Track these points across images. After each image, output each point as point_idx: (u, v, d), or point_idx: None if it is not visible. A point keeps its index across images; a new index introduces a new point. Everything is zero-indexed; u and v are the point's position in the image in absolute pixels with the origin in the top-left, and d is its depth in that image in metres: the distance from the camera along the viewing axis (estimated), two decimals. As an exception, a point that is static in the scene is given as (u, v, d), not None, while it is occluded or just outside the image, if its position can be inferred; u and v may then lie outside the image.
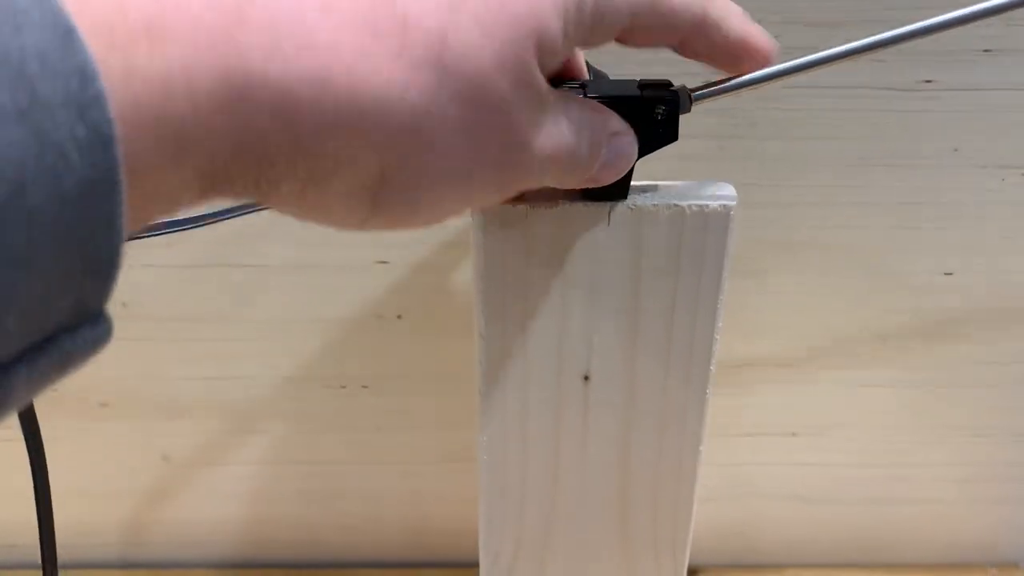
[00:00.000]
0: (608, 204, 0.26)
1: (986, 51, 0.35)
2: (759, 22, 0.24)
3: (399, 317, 0.42)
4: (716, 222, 0.27)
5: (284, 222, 0.39)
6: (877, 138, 0.37)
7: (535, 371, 0.30)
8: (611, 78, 0.26)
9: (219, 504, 0.49)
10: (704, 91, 0.24)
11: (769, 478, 0.48)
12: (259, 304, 0.42)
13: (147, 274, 0.40)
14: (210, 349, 0.43)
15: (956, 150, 0.38)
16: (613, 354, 0.29)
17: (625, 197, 0.26)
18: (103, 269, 0.15)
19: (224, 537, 0.50)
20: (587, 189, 0.26)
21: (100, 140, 0.14)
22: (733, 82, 0.24)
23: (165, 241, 0.39)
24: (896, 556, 0.51)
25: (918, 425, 0.46)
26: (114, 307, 0.41)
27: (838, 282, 0.41)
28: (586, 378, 0.30)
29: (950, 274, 0.41)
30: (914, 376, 0.44)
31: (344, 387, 0.45)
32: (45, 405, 0.45)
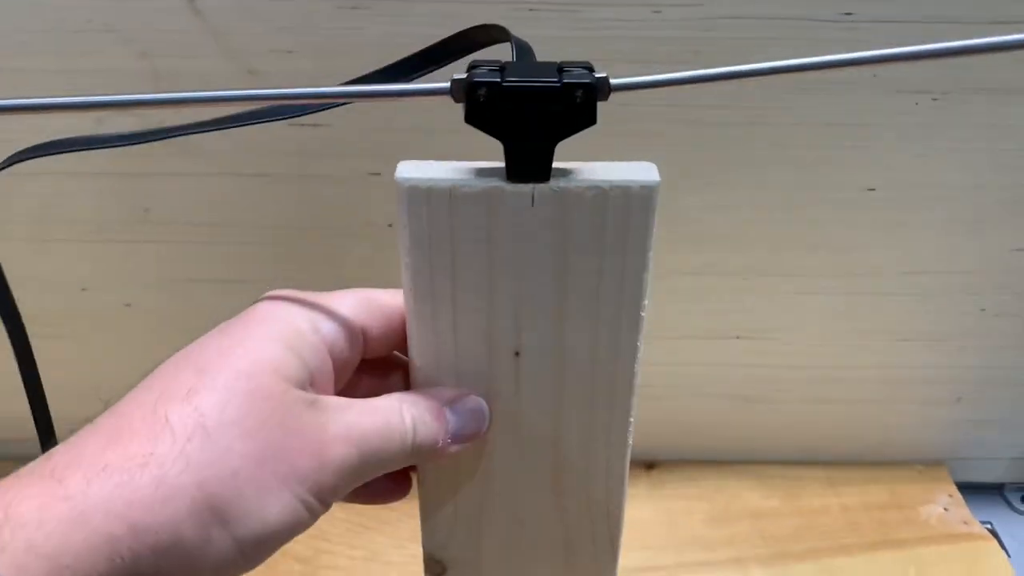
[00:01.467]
0: (531, 186, 0.26)
1: (898, -13, 0.40)
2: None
3: (389, 225, 0.48)
4: (639, 203, 0.26)
5: (289, 136, 0.44)
6: (804, 64, 0.43)
7: (466, 347, 0.30)
8: (536, 60, 0.27)
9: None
10: (623, 83, 0.25)
11: (717, 378, 0.54)
12: (266, 211, 0.47)
13: (167, 182, 0.46)
14: (222, 252, 0.48)
15: (875, 76, 0.43)
16: (542, 330, 0.29)
17: (547, 179, 0.26)
18: None
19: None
20: (510, 170, 0.26)
21: None
22: (651, 79, 0.25)
23: (182, 151, 0.45)
24: (832, 454, 0.57)
25: (847, 330, 0.52)
26: (137, 211, 0.47)
27: (773, 197, 0.47)
28: (516, 354, 0.30)
29: (872, 189, 0.47)
30: (842, 284, 0.50)
31: (340, 290, 0.50)
32: (72, 302, 0.51)
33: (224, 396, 0.25)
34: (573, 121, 0.25)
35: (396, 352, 0.31)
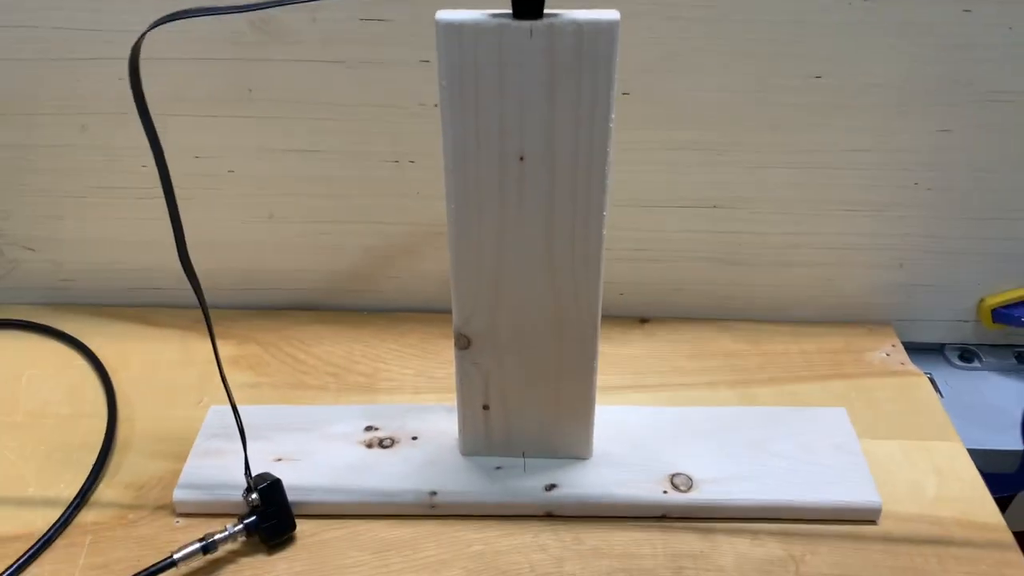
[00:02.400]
0: (530, 22, 0.36)
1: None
2: None
3: (436, 105, 0.60)
4: (607, 34, 0.37)
5: (361, 29, 0.57)
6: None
7: (484, 153, 0.40)
8: None
9: (304, 255, 0.68)
10: None
11: (698, 243, 0.66)
12: (341, 91, 0.60)
13: (266, 67, 0.59)
14: (306, 126, 0.62)
15: (816, -18, 0.55)
16: (539, 138, 0.39)
17: (541, 16, 0.37)
18: None
19: (305, 284, 0.70)
20: (515, 10, 0.36)
21: None
22: None
23: (279, 42, 0.58)
24: (796, 315, 0.69)
25: (803, 200, 0.63)
26: (242, 92, 0.62)
27: (740, 82, 0.59)
28: (521, 158, 0.40)
29: (819, 77, 0.58)
30: (799, 159, 0.61)
31: (396, 161, 0.63)
32: (187, 167, 0.64)
33: None
34: None
35: None
